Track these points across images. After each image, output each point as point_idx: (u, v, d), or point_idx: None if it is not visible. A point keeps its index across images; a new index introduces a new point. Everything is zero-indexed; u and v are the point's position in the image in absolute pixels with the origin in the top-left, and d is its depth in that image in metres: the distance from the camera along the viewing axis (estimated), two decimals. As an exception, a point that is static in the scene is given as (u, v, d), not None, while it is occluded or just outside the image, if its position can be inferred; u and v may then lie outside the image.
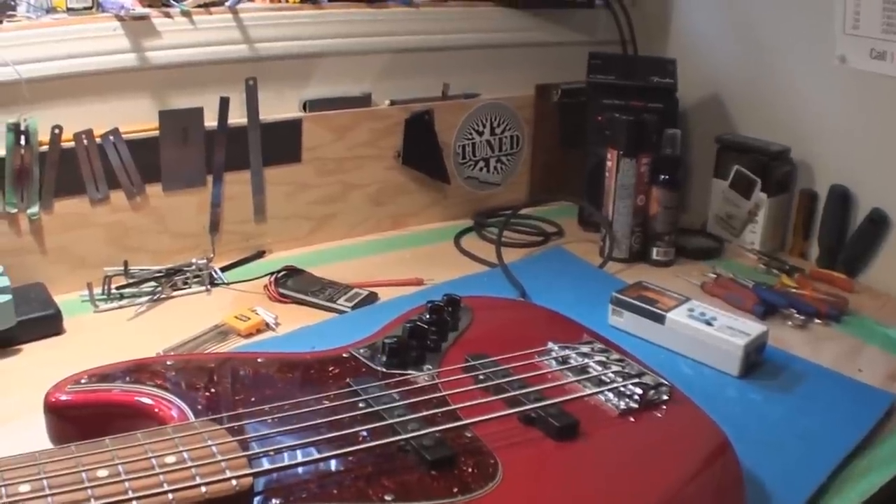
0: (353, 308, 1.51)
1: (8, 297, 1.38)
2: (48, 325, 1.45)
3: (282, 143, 1.75)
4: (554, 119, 2.07)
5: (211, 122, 1.68)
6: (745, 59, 1.91)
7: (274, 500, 0.79)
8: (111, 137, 1.59)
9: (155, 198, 1.65)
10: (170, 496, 0.75)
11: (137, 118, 1.63)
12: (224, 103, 1.68)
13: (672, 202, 1.72)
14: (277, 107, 1.75)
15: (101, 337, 1.44)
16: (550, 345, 1.13)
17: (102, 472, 0.77)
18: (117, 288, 1.57)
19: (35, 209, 1.55)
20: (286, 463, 0.84)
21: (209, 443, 0.83)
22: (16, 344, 1.41)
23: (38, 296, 1.49)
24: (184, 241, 1.69)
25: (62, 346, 1.43)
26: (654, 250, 1.75)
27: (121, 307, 1.54)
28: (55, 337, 1.45)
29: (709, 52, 1.98)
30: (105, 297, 1.56)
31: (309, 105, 1.78)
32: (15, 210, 1.54)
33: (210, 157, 1.68)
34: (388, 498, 0.81)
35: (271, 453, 0.85)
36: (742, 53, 1.92)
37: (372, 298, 1.55)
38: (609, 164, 1.74)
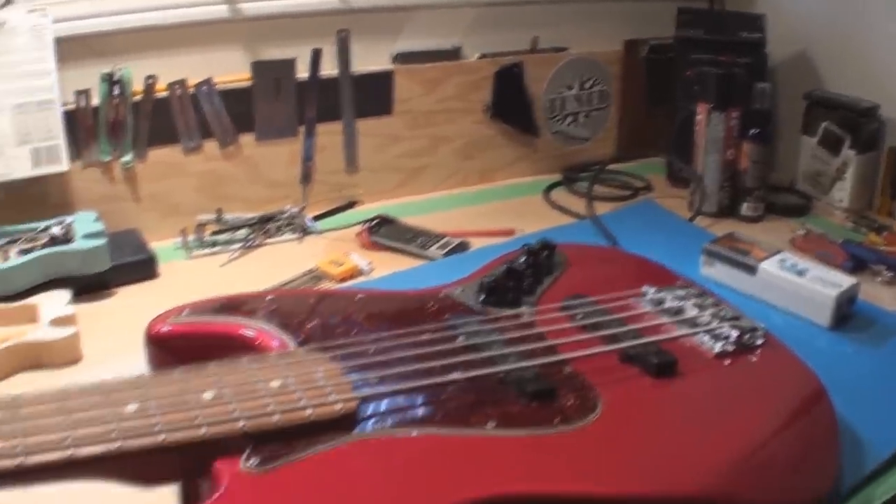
0: (444, 255, 1.52)
1: (103, 241, 1.42)
2: (143, 269, 1.48)
3: (373, 95, 1.76)
4: (641, 75, 2.06)
5: (303, 73, 1.70)
6: (835, 14, 1.88)
7: (377, 424, 0.81)
8: (204, 87, 1.62)
9: (248, 147, 1.68)
10: (276, 417, 0.77)
11: (230, 69, 1.65)
12: (316, 55, 1.69)
13: (761, 157, 1.71)
14: (368, 59, 1.76)
15: (194, 281, 1.46)
16: (646, 288, 1.13)
17: (208, 395, 0.79)
18: (211, 234, 1.60)
19: (129, 158, 1.58)
20: (388, 389, 0.85)
21: (313, 369, 0.84)
22: (111, 287, 1.45)
23: (132, 241, 1.53)
24: (276, 190, 1.71)
25: (156, 289, 1.46)
26: (744, 205, 1.74)
27: (214, 253, 1.57)
28: (149, 281, 1.48)
29: (798, 7, 1.95)
30: (198, 243, 1.59)
31: (400, 58, 1.79)
32: (109, 158, 1.57)
33: (302, 108, 1.70)
34: (489, 425, 0.82)
35: (374, 380, 0.86)
36: (831, 9, 1.89)
37: (463, 247, 1.56)
38: (699, 118, 1.73)
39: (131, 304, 1.40)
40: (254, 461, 0.74)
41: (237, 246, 1.59)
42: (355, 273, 1.47)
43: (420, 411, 0.84)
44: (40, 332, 1.26)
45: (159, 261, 1.51)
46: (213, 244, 1.59)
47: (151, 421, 0.75)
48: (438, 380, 0.88)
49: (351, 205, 1.76)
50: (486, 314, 1.04)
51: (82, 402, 0.77)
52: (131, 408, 0.76)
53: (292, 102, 1.69)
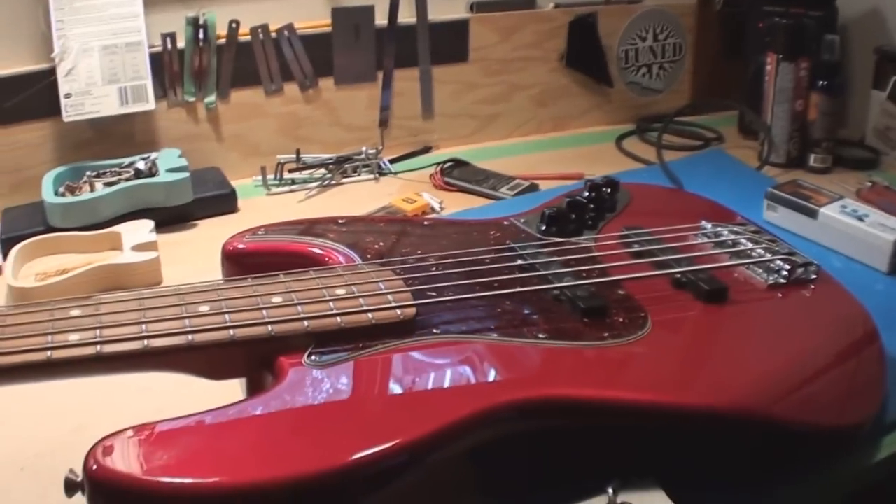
0: (514, 196, 1.56)
1: (185, 174, 1.48)
2: (223, 203, 1.55)
3: (449, 42, 1.80)
4: (715, 28, 2.07)
5: (381, 20, 1.74)
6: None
7: (434, 330, 0.86)
8: (286, 32, 1.67)
9: (327, 91, 1.73)
10: (339, 319, 0.82)
11: (311, 15, 1.70)
12: (394, 3, 1.73)
13: (830, 108, 1.72)
14: (445, 7, 1.80)
15: (272, 215, 1.46)
16: (703, 223, 1.16)
17: (276, 299, 0.85)
18: (290, 172, 1.65)
19: (212, 99, 1.64)
20: (447, 300, 0.90)
21: (376, 279, 0.90)
22: (193, 219, 1.52)
23: (214, 177, 1.60)
24: (353, 133, 1.76)
25: (236, 222, 1.51)
26: (812, 157, 1.74)
27: (292, 191, 1.63)
28: (229, 215, 1.55)
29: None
30: (277, 181, 1.64)
31: (476, 6, 1.82)
32: (193, 99, 1.63)
33: (380, 54, 1.75)
34: (540, 336, 0.87)
35: (433, 293, 0.91)
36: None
37: (533, 188, 1.60)
38: (768, 68, 1.74)
39: (211, 235, 1.44)
40: (316, 357, 0.80)
41: (315, 184, 1.64)
42: (427, 210, 1.52)
43: (475, 321, 0.88)
44: (123, 256, 1.32)
45: (239, 197, 1.57)
46: (292, 182, 1.65)
47: (222, 319, 0.81)
48: (494, 294, 0.92)
49: (426, 149, 1.82)
50: (547, 241, 1.08)
51: (158, 302, 0.83)
52: (204, 308, 0.83)
53: (371, 48, 1.74)
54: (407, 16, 1.76)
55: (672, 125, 1.89)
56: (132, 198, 1.47)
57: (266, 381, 0.81)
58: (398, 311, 0.85)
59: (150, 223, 1.40)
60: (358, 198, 1.59)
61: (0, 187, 1.56)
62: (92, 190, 1.47)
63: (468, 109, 1.86)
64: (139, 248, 1.34)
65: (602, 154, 1.84)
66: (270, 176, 1.64)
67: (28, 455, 0.96)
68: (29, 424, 1.01)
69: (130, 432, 0.70)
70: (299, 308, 0.83)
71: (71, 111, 1.52)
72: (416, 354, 0.82)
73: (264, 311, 0.83)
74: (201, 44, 1.61)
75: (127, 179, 1.49)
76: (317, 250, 1.01)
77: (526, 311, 0.91)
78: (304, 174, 1.66)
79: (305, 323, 0.82)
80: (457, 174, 1.64)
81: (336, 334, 0.82)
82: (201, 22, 1.60)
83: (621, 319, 0.92)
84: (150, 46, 1.57)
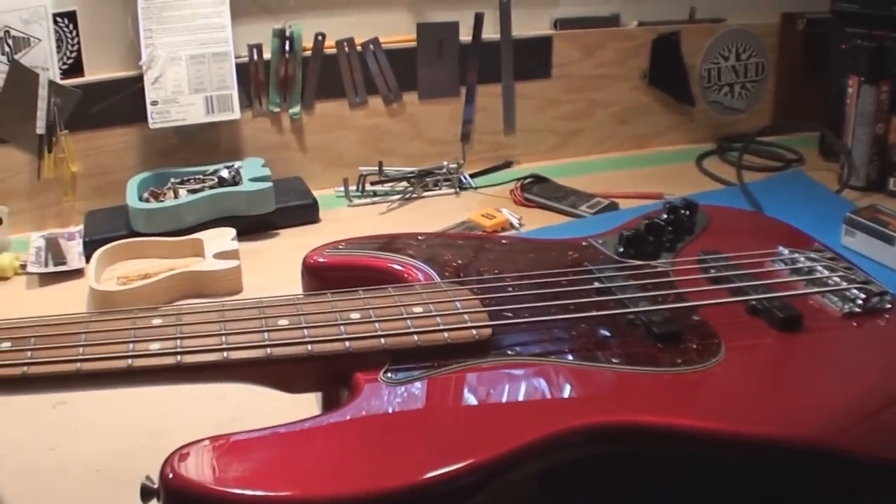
0: (594, 214, 1.56)
1: (268, 184, 1.50)
2: (305, 213, 1.57)
3: (532, 58, 1.81)
4: (798, 48, 2.05)
5: (465, 36, 1.75)
6: None
7: (509, 351, 0.86)
8: (371, 46, 1.68)
9: (410, 105, 1.74)
10: (415, 338, 0.83)
11: (395, 30, 1.72)
12: (479, 19, 1.74)
13: (912, 132, 1.70)
14: (529, 24, 1.80)
15: (353, 227, 1.53)
16: (780, 248, 1.15)
17: (355, 315, 0.86)
18: (371, 184, 1.67)
19: (297, 110, 1.66)
20: (523, 321, 0.90)
21: (454, 299, 0.90)
22: (275, 228, 1.53)
23: (296, 187, 1.61)
24: (435, 147, 1.78)
25: (317, 232, 1.53)
26: (892, 180, 1.72)
27: (373, 203, 1.65)
28: (311, 225, 1.56)
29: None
30: (359, 193, 1.66)
31: (559, 23, 1.82)
32: (277, 110, 1.65)
33: (463, 69, 1.76)
34: (614, 360, 0.87)
35: (510, 313, 0.91)
36: None
37: (613, 207, 1.59)
38: (850, 90, 1.72)
39: (292, 245, 1.46)
40: (391, 374, 0.81)
41: (396, 197, 1.66)
42: (506, 226, 1.52)
43: (550, 343, 0.88)
44: (205, 263, 1.34)
45: (321, 208, 1.58)
46: (373, 194, 1.67)
47: (301, 333, 0.82)
48: (570, 315, 0.92)
49: (507, 164, 1.82)
50: (624, 264, 1.08)
51: (238, 314, 0.85)
52: (283, 322, 0.84)
53: (454, 64, 1.75)
54: (491, 32, 1.77)
55: (753, 145, 1.88)
56: (215, 205, 1.49)
57: (342, 395, 0.82)
58: (474, 332, 0.85)
59: (232, 231, 1.42)
60: (438, 211, 1.60)
61: (84, 190, 1.58)
62: (176, 196, 1.49)
63: (549, 125, 1.87)
64: (221, 255, 1.36)
65: (682, 173, 1.82)
66: (353, 187, 1.66)
67: (105, 457, 0.98)
68: (107, 427, 1.03)
69: (207, 442, 0.71)
70: (377, 325, 0.84)
71: (157, 118, 1.54)
72: (490, 375, 0.83)
73: (342, 327, 0.83)
74: (287, 55, 1.64)
75: (211, 187, 1.51)
76: (396, 266, 1.02)
77: (600, 335, 0.91)
78: (386, 187, 1.68)
79: (382, 340, 0.83)
80: (536, 190, 1.64)
81: (412, 352, 0.83)
82: (288, 34, 1.62)
83: (695, 346, 0.91)
84: (237, 57, 1.59)
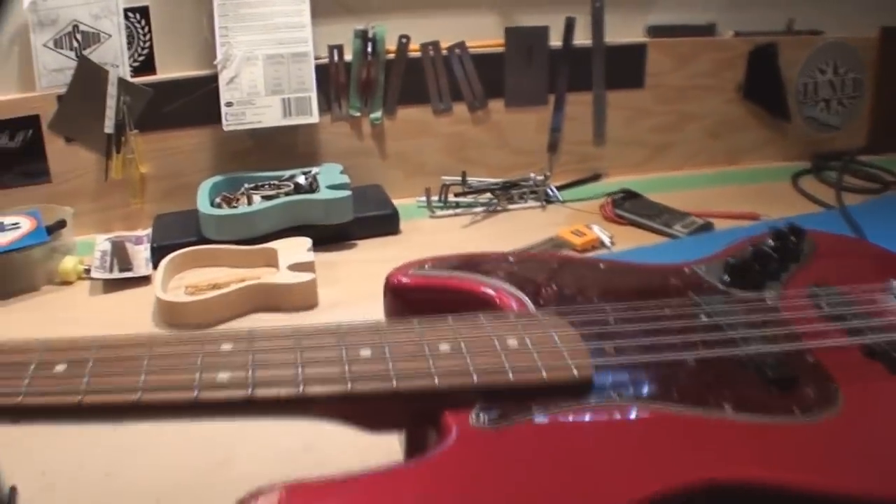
0: (688, 234, 1.49)
1: (347, 192, 1.44)
2: (385, 223, 1.51)
3: (624, 67, 1.74)
4: (897, 64, 1.96)
5: (555, 42, 1.69)
6: None
7: (612, 394, 0.78)
8: (457, 50, 1.63)
9: (496, 113, 1.68)
10: (510, 376, 0.75)
11: (483, 34, 1.65)
12: (570, 24, 1.68)
13: None
14: (621, 31, 1.73)
15: (435, 240, 1.49)
16: (892, 282, 1.07)
17: (444, 347, 0.78)
18: (454, 196, 1.61)
19: (378, 114, 1.61)
20: (626, 360, 0.82)
21: (551, 332, 0.82)
22: (352, 239, 1.47)
23: (375, 196, 1.56)
24: (521, 157, 1.72)
25: (397, 244, 1.48)
26: None
27: (456, 214, 1.59)
28: (390, 236, 1.50)
29: None
30: (441, 203, 1.60)
31: (653, 31, 1.75)
32: (358, 114, 1.60)
33: (553, 77, 1.69)
34: (726, 406, 0.79)
35: (611, 350, 0.83)
36: None
37: (707, 227, 1.52)
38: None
39: (371, 258, 1.42)
40: (484, 417, 0.73)
41: (480, 209, 1.60)
42: (596, 244, 1.45)
43: (656, 386, 0.81)
44: (278, 275, 1.29)
45: (401, 218, 1.53)
46: (456, 206, 1.61)
47: (385, 367, 0.75)
48: (677, 356, 0.85)
49: (596, 177, 1.76)
50: (730, 295, 1.00)
51: (316, 341, 0.77)
52: (365, 352, 0.76)
53: (544, 71, 1.69)
54: (582, 38, 1.70)
55: (850, 165, 1.80)
56: (290, 213, 1.44)
57: (428, 437, 0.75)
58: (574, 371, 0.78)
59: (307, 241, 1.37)
60: (524, 226, 1.54)
61: (153, 193, 1.55)
62: (249, 203, 1.45)
63: (640, 137, 1.80)
64: (295, 267, 1.30)
65: (777, 193, 1.74)
66: (435, 197, 1.60)
67: (166, 485, 0.92)
68: (169, 452, 0.97)
69: (280, 490, 0.64)
70: (468, 360, 0.77)
71: (231, 120, 1.50)
72: (591, 420, 0.75)
73: (431, 361, 0.76)
74: (369, 57, 1.59)
75: (286, 194, 1.46)
76: (488, 290, 0.94)
77: (709, 378, 0.83)
78: (469, 198, 1.62)
79: (475, 377, 0.75)
80: (628, 206, 1.57)
81: (505, 391, 0.75)
82: (370, 35, 1.57)
83: (811, 392, 0.83)
84: (316, 58, 1.54)
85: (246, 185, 1.49)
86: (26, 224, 1.42)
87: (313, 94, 1.52)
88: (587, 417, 0.75)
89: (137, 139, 1.52)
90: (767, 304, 0.97)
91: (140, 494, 0.91)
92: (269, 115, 1.51)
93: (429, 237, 1.51)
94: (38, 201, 1.49)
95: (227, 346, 0.76)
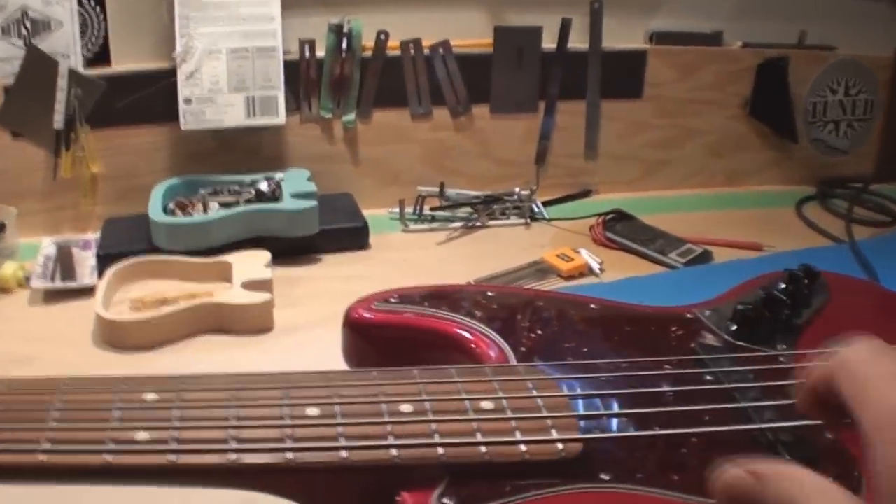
0: (685, 264, 1.37)
1: (312, 202, 1.35)
2: (353, 237, 1.42)
3: (622, 75, 1.63)
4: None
5: (548, 44, 1.58)
6: None
7: (602, 475, 0.65)
8: (440, 50, 1.53)
9: (480, 119, 1.58)
10: (483, 449, 0.63)
11: (469, 33, 1.56)
12: (565, 25, 1.57)
13: None
14: (620, 35, 1.63)
15: (407, 257, 1.40)
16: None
17: (406, 407, 0.66)
18: (430, 209, 1.51)
19: (351, 117, 1.52)
20: (621, 433, 0.70)
21: (534, 393, 0.69)
22: (317, 252, 1.39)
23: (344, 206, 1.47)
24: (505, 168, 1.62)
25: (365, 261, 1.39)
26: None
27: (431, 229, 1.50)
28: (359, 251, 1.41)
29: None
30: (416, 216, 1.51)
31: (655, 37, 1.64)
32: (329, 115, 1.51)
33: (544, 82, 1.59)
34: (735, 493, 0.66)
35: (605, 419, 0.70)
36: None
37: (706, 257, 1.40)
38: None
39: (335, 274, 1.33)
40: (447, 500, 0.60)
41: (457, 224, 1.50)
42: (584, 271, 1.34)
43: (656, 467, 0.68)
44: (231, 293, 1.20)
45: (372, 231, 1.43)
46: (432, 219, 1.52)
47: (334, 431, 0.63)
48: (681, 430, 0.71)
49: (585, 193, 1.65)
50: (740, 350, 0.87)
51: (257, 393, 0.66)
52: (312, 410, 0.64)
53: (535, 75, 1.58)
54: (577, 41, 1.60)
55: (861, 195, 1.69)
56: (250, 224, 1.34)
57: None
58: (559, 445, 0.64)
59: (266, 256, 1.27)
60: (506, 245, 1.44)
61: (106, 194, 1.47)
62: (205, 210, 1.36)
63: (635, 152, 1.68)
64: (250, 286, 1.21)
65: (781, 221, 1.63)
66: (409, 210, 1.50)
67: None
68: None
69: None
70: (433, 427, 0.64)
71: (190, 119, 1.41)
72: None
73: (389, 427, 0.63)
74: (344, 54, 1.49)
75: (247, 201, 1.36)
76: (464, 332, 0.82)
77: (717, 454, 0.70)
78: (447, 212, 1.52)
79: (440, 450, 0.62)
80: (620, 229, 1.45)
81: (477, 468, 0.63)
82: (346, 30, 1.48)
83: (832, 476, 0.70)
84: (286, 53, 1.45)
85: (202, 191, 1.39)
86: (-38, 227, 1.34)
87: (280, 93, 1.43)
88: (571, 504, 0.62)
89: (89, 136, 1.43)
90: (780, 364, 0.84)
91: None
92: (231, 114, 1.42)
93: (400, 254, 1.41)
94: (-18, 199, 1.43)
95: (150, 396, 0.64)
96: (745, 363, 0.82)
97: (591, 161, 1.66)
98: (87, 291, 1.25)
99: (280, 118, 1.44)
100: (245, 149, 1.48)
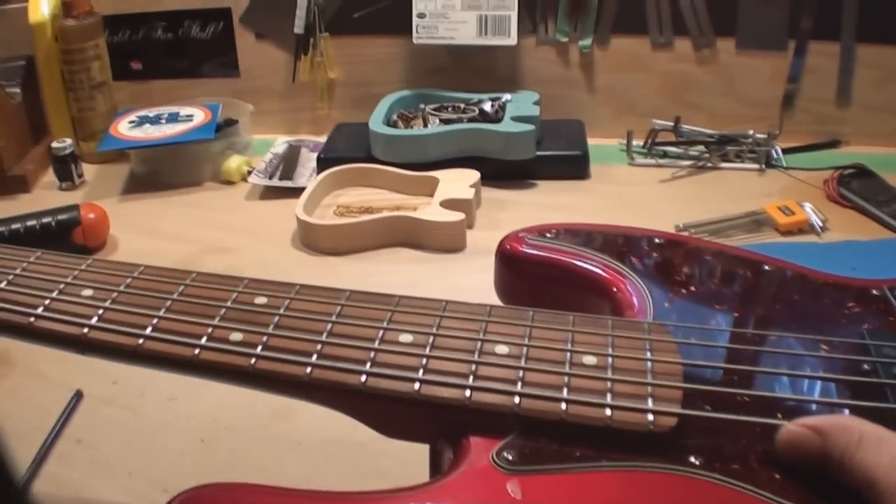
0: (917, 236, 1.24)
1: (531, 127, 1.33)
2: (571, 165, 1.39)
3: (885, 15, 1.47)
4: None
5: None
6: None
7: (692, 459, 0.58)
8: (690, -21, 1.45)
9: (725, 54, 1.50)
10: (562, 406, 0.59)
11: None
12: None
13: None
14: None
15: (624, 192, 1.34)
16: None
17: (501, 349, 0.64)
18: (661, 144, 1.45)
19: (588, 42, 1.48)
20: (731, 416, 0.61)
21: (647, 356, 0.64)
22: (532, 177, 1.37)
23: (570, 133, 1.43)
24: (748, 108, 1.52)
25: (579, 191, 1.36)
26: None
27: (658, 165, 1.44)
28: (577, 180, 1.38)
29: None
30: (645, 151, 1.46)
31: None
32: (566, 39, 1.48)
33: (796, 18, 1.47)
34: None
35: (716, 395, 0.62)
36: None
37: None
38: None
39: (545, 202, 1.31)
40: (509, 454, 0.57)
41: (686, 163, 1.43)
42: (804, 227, 1.24)
43: (760, 461, 0.58)
44: (428, 209, 1.21)
45: (595, 161, 1.40)
46: (662, 155, 1.45)
47: (419, 361, 0.62)
48: (800, 428, 0.60)
49: (832, 144, 1.52)
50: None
51: (358, 310, 0.68)
52: (406, 337, 0.64)
53: (785, 9, 1.47)
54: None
55: None
56: (466, 143, 1.33)
57: (444, 459, 0.60)
58: (649, 416, 0.59)
59: (474, 175, 1.27)
60: (732, 191, 1.36)
61: (342, 100, 1.52)
62: (425, 125, 1.36)
63: (892, 104, 1.53)
64: (448, 204, 1.21)
65: None
66: (638, 143, 1.45)
67: (219, 423, 0.89)
68: (235, 391, 0.86)
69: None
70: (519, 373, 0.61)
71: (422, 32, 1.42)
72: (649, 495, 0.56)
73: (473, 366, 0.61)
74: None
75: (470, 120, 1.36)
76: (608, 279, 0.78)
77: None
78: (679, 149, 1.45)
79: (516, 399, 0.59)
80: (856, 186, 1.33)
81: (552, 426, 0.59)
82: None
83: None
84: None
85: (422, 105, 1.40)
86: (199, 117, 1.40)
87: (513, 13, 1.40)
88: (645, 485, 0.57)
89: (328, 43, 1.48)
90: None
91: (195, 425, 0.89)
92: (463, 31, 1.41)
93: (618, 188, 1.36)
94: (227, 95, 1.50)
95: (261, 300, 0.68)
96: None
97: (843, 109, 1.53)
98: (301, 192, 1.28)
99: (511, 39, 1.41)
100: (479, 68, 1.48)
